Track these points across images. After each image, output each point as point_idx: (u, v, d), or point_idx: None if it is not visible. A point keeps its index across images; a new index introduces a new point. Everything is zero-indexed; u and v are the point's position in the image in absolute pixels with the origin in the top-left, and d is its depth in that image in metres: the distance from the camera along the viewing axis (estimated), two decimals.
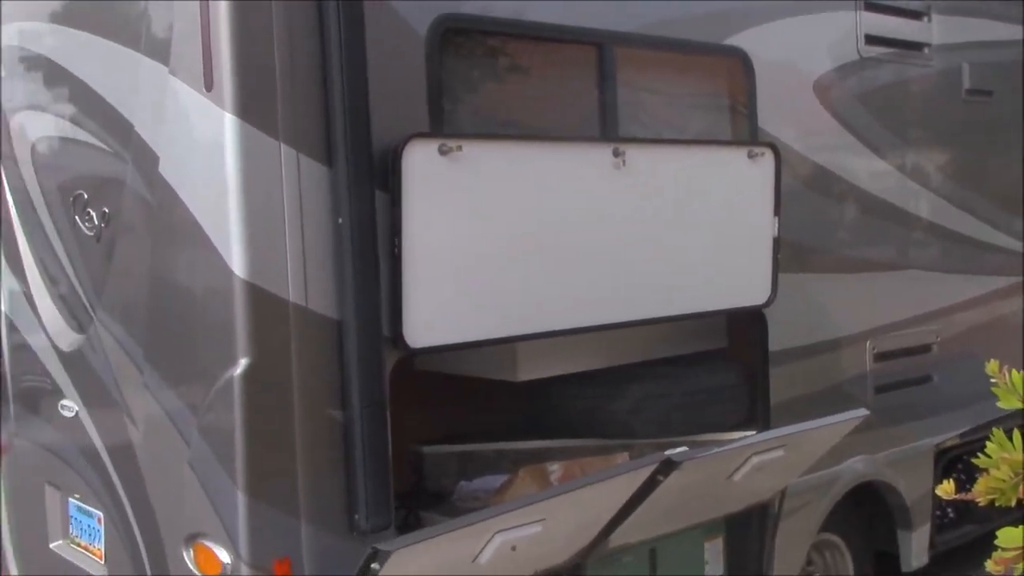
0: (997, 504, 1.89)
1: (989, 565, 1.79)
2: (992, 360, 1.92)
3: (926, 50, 5.03)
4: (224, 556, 3.03)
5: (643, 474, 3.25)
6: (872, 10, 4.73)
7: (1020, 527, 1.80)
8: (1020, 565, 1.78)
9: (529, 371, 3.81)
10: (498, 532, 2.92)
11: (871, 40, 4.73)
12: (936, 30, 5.05)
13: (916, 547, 5.01)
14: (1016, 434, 1.88)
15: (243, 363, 2.94)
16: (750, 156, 4.01)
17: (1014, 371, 1.91)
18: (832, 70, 4.59)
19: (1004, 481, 1.87)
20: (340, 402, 3.05)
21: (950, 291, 5.20)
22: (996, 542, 1.78)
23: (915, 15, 4.98)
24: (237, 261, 2.94)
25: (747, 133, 4.20)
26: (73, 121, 3.75)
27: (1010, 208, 5.54)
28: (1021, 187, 5.66)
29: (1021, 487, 1.86)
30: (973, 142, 5.35)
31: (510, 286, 3.40)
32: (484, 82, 3.67)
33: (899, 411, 4.89)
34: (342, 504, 3.07)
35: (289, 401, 3.00)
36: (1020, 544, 1.77)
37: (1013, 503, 1.88)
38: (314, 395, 3.03)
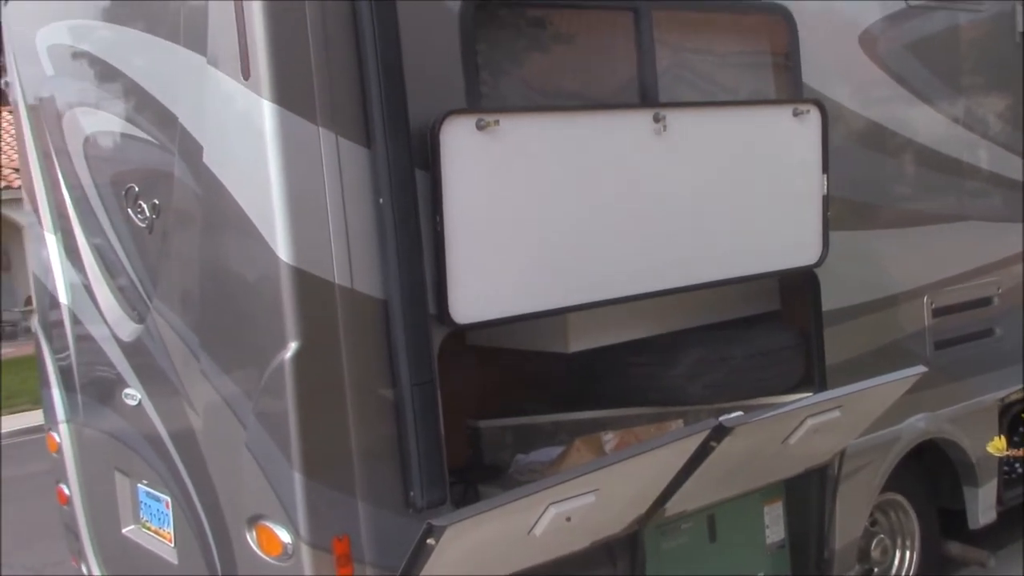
0: None
1: None
2: None
3: None
4: (285, 536, 3.10)
5: (696, 441, 3.24)
6: None
7: None
8: None
9: (581, 342, 3.81)
10: (552, 504, 2.94)
11: None
12: None
13: (983, 504, 4.93)
14: None
15: (293, 346, 2.99)
16: (795, 114, 3.94)
17: None
18: (878, 21, 4.49)
19: None
20: (390, 381, 3.08)
21: (1009, 241, 5.08)
22: None
23: None
24: (282, 247, 2.98)
25: (792, 91, 4.13)
26: (121, 115, 3.82)
27: None
28: None
29: None
30: None
31: (555, 258, 3.40)
32: (519, 54, 3.66)
33: (960, 366, 4.80)
34: (397, 481, 3.11)
35: (340, 382, 3.04)
36: None
37: None
38: (364, 375, 3.07)
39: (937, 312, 4.69)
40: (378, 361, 3.08)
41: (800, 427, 3.51)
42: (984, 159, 4.94)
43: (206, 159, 3.25)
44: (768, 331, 4.24)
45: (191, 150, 3.32)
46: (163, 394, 3.71)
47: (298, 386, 3.00)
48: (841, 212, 4.16)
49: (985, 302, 4.96)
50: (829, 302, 4.19)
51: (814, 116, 3.98)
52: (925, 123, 4.67)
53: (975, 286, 4.90)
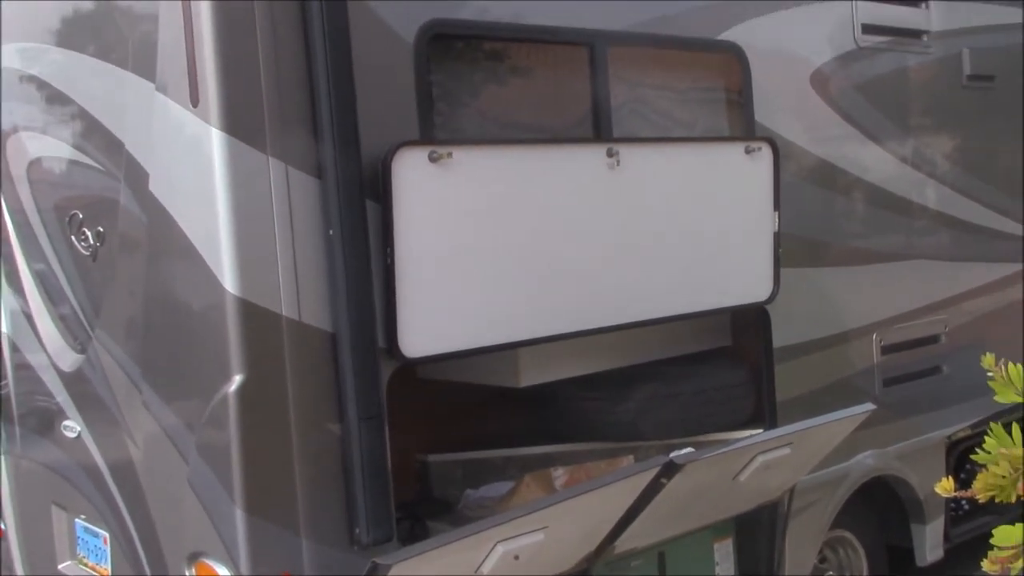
0: (997, 501, 1.85)
1: (985, 565, 1.75)
2: (988, 353, 1.87)
3: (925, 37, 4.98)
4: (226, 574, 3.02)
5: (646, 477, 3.21)
6: None
7: (1017, 525, 1.76)
8: (1018, 564, 1.74)
9: (531, 376, 3.78)
10: (500, 542, 2.89)
11: (868, 29, 4.68)
12: (935, 16, 5.00)
13: (930, 541, 4.96)
14: (1015, 429, 1.84)
15: (237, 379, 2.92)
16: (747, 151, 3.97)
17: (1011, 364, 1.87)
18: (830, 61, 4.55)
19: (1004, 477, 1.83)
20: (337, 415, 3.03)
21: (957, 280, 5.14)
22: (992, 540, 1.74)
23: (913, 2, 4.93)
24: (228, 277, 2.92)
25: (744, 128, 4.16)
26: (67, 141, 3.75)
27: (1015, 193, 5.47)
28: None
29: (1020, 483, 1.82)
30: (975, 128, 5.29)
31: (507, 291, 3.37)
32: (474, 87, 3.65)
33: (908, 403, 4.84)
34: (342, 518, 3.05)
35: (285, 416, 2.98)
36: (1017, 543, 1.73)
37: (1013, 500, 1.84)
38: (310, 409, 3.01)
39: (886, 349, 4.73)
40: (325, 395, 3.03)
41: (751, 464, 3.50)
42: (931, 199, 5.01)
43: (152, 186, 3.19)
44: (719, 367, 4.23)
45: (137, 177, 3.26)
46: (103, 426, 3.62)
47: (242, 420, 2.93)
48: (792, 249, 4.18)
49: (933, 340, 5.01)
50: (780, 338, 4.21)
51: (766, 153, 4.01)
52: (874, 162, 4.73)
53: (923, 324, 4.95)
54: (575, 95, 3.76)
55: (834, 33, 4.58)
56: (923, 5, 4.98)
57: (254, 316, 2.94)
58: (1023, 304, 5.45)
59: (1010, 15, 5.49)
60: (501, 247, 3.34)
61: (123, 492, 3.52)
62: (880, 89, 4.75)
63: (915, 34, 4.95)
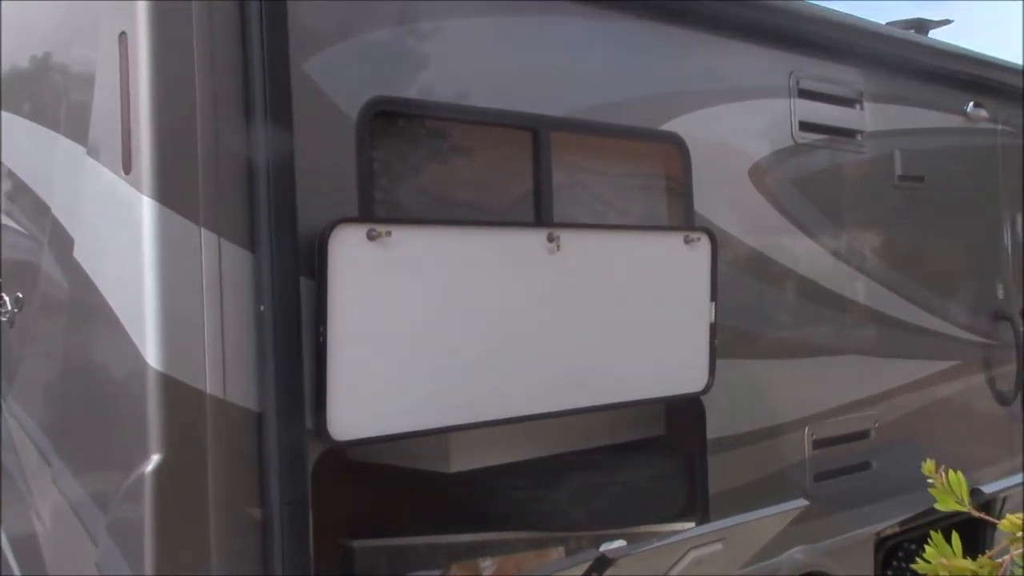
0: None
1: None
2: (928, 460, 1.85)
3: (859, 137, 5.09)
4: None
5: (577, 572, 3.13)
6: (806, 97, 4.78)
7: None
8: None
9: (462, 462, 3.69)
10: None
11: (805, 126, 4.77)
12: (868, 117, 5.12)
13: None
14: (955, 538, 1.81)
15: (155, 459, 2.78)
16: (686, 241, 3.98)
17: (951, 472, 1.85)
18: (768, 155, 4.62)
19: None
20: (259, 499, 2.90)
21: (886, 376, 5.18)
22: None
23: (848, 102, 5.05)
24: (151, 351, 2.80)
25: (683, 218, 4.18)
26: None
27: (943, 292, 5.58)
28: (953, 272, 5.72)
29: None
30: (906, 227, 5.40)
31: (440, 376, 3.29)
32: (416, 165, 3.61)
33: (839, 499, 4.82)
34: None
35: (203, 499, 2.84)
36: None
37: None
38: (231, 492, 2.88)
39: (817, 444, 4.72)
40: (247, 477, 2.90)
41: (683, 559, 3.44)
42: (863, 294, 5.07)
43: (77, 253, 3.08)
44: (653, 457, 4.19)
45: (62, 242, 3.14)
46: (9, 501, 3.43)
47: (157, 502, 2.78)
48: (727, 340, 4.18)
49: (863, 435, 5.02)
50: (714, 430, 4.18)
51: (704, 244, 4.02)
52: (809, 256, 4.78)
53: (854, 419, 4.97)
54: (517, 178, 3.75)
55: (773, 129, 4.66)
56: (857, 106, 5.10)
57: (176, 393, 2.81)
58: (950, 402, 5.53)
59: (940, 119, 5.66)
60: (437, 329, 3.28)
61: (25, 572, 3.32)
62: (816, 185, 4.83)
63: (850, 133, 5.06)
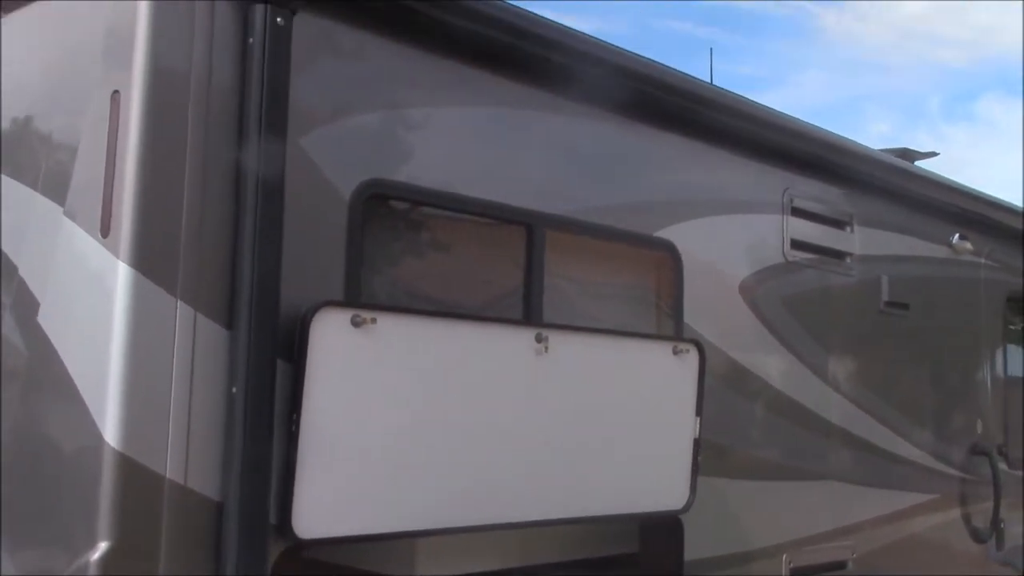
0: None
1: None
2: None
3: (848, 259, 5.05)
4: None
5: None
6: (799, 215, 4.74)
7: None
8: None
9: (429, 569, 3.47)
10: None
11: (797, 245, 4.72)
12: (858, 240, 5.09)
13: None
14: None
15: (103, 547, 2.55)
16: (675, 352, 3.87)
17: None
18: (759, 271, 4.54)
19: None
20: None
21: (866, 504, 5.04)
22: None
23: (839, 224, 5.02)
24: (110, 428, 2.59)
25: (673, 327, 4.06)
26: None
27: (924, 423, 5.49)
28: (936, 403, 5.64)
29: None
30: (890, 354, 5.33)
31: (415, 476, 3.10)
32: (406, 253, 3.48)
33: None
34: None
35: None
36: None
37: None
38: None
39: (795, 572, 4.55)
40: (202, 571, 2.68)
41: None
42: (846, 420, 4.96)
43: (40, 317, 2.89)
44: None
45: (26, 305, 2.96)
46: None
47: None
48: (709, 457, 4.03)
49: (840, 566, 4.85)
50: (691, 551, 3.99)
51: (693, 356, 3.91)
52: (796, 378, 4.68)
53: (832, 548, 4.80)
54: (509, 273, 3.63)
55: (765, 244, 4.60)
56: (848, 228, 5.06)
57: (133, 475, 2.60)
58: (927, 536, 5.39)
59: (927, 248, 5.65)
60: (416, 427, 3.10)
61: None
62: (805, 305, 4.76)
63: (840, 255, 5.01)
